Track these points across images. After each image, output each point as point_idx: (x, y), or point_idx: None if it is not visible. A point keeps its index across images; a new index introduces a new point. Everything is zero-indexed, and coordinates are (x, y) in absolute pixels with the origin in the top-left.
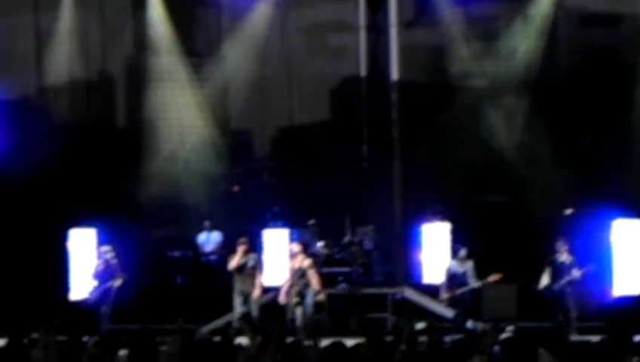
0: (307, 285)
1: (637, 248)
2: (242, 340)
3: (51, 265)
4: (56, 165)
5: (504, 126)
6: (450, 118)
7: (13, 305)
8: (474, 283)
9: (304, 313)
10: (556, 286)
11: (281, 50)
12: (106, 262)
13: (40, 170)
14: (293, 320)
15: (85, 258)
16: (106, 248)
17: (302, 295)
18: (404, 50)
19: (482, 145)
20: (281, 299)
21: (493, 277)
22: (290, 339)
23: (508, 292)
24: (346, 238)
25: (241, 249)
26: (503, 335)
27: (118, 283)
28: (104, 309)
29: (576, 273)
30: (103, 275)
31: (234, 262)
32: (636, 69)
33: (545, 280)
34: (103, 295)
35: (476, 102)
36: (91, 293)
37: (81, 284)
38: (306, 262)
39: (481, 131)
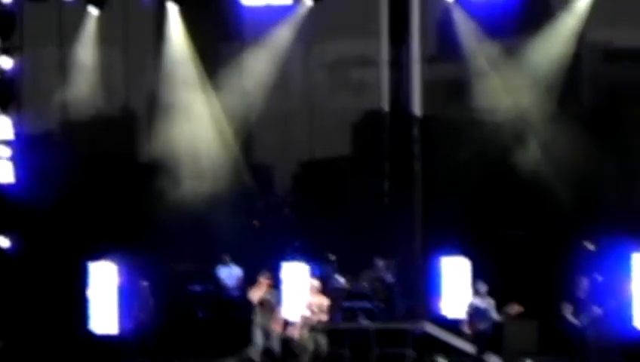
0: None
1: None
2: None
3: (72, 298)
4: (77, 198)
5: (526, 161)
6: (471, 153)
7: (34, 337)
8: (496, 316)
9: (321, 351)
10: (577, 323)
11: (303, 84)
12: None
13: (62, 203)
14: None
15: (105, 291)
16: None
17: (313, 332)
18: (426, 85)
19: (503, 179)
20: (294, 332)
21: (514, 309)
22: None
23: (528, 327)
24: (368, 272)
25: (264, 283)
26: None
27: None
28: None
29: (597, 310)
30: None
31: (257, 295)
32: None
33: (568, 314)
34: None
35: (497, 137)
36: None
37: (101, 317)
38: (324, 302)
39: (502, 166)
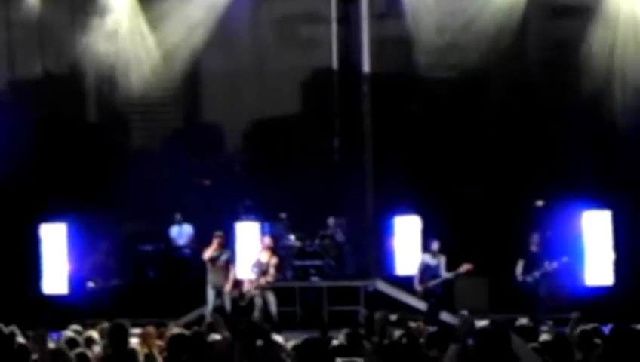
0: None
1: (607, 239)
2: (215, 336)
3: (23, 259)
4: (27, 159)
5: (474, 118)
6: (422, 110)
7: None
8: (446, 274)
9: (270, 310)
10: (529, 279)
11: (251, 41)
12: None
13: (10, 164)
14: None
15: (56, 252)
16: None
17: (263, 291)
18: (375, 42)
19: (453, 137)
20: (245, 286)
21: (464, 268)
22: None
23: (480, 285)
24: (320, 231)
25: (216, 241)
26: (477, 326)
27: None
28: None
29: (549, 265)
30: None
31: (207, 253)
32: None
33: (518, 272)
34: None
35: (447, 93)
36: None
37: (53, 278)
38: (273, 260)
39: (452, 123)
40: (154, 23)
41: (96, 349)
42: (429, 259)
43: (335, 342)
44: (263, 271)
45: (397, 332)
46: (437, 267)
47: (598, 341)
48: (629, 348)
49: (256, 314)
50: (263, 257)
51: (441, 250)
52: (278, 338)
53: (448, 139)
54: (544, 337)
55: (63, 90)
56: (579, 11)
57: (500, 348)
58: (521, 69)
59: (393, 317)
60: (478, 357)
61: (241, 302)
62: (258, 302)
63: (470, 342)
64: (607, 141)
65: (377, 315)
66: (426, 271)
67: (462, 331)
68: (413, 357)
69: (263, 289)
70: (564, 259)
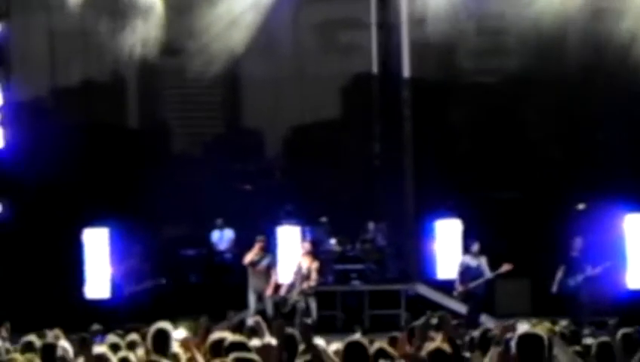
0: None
1: None
2: (257, 341)
3: (66, 264)
4: (68, 165)
5: (515, 121)
6: (463, 115)
7: (29, 303)
8: (488, 273)
9: (311, 315)
10: (571, 283)
11: (292, 47)
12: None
13: (53, 171)
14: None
15: (98, 257)
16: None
17: (305, 295)
18: (415, 47)
19: (495, 141)
20: (282, 292)
21: (505, 268)
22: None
23: (521, 288)
24: (360, 235)
25: (257, 246)
26: (519, 330)
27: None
28: None
29: (591, 271)
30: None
31: (248, 258)
32: None
33: (557, 279)
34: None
35: (487, 97)
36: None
37: (95, 283)
38: (314, 265)
39: (492, 127)
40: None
41: (139, 352)
42: (469, 260)
43: (377, 345)
44: (304, 276)
45: (437, 336)
46: (478, 268)
47: None
48: None
49: (298, 319)
50: (303, 262)
51: (482, 252)
52: (320, 341)
53: (489, 143)
54: (587, 341)
55: (105, 96)
56: (619, 14)
57: (539, 353)
58: (562, 73)
59: (434, 321)
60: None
61: (284, 309)
62: (300, 307)
63: (512, 343)
64: None
65: (419, 319)
66: (467, 272)
67: (503, 334)
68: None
69: (305, 294)
70: (608, 264)
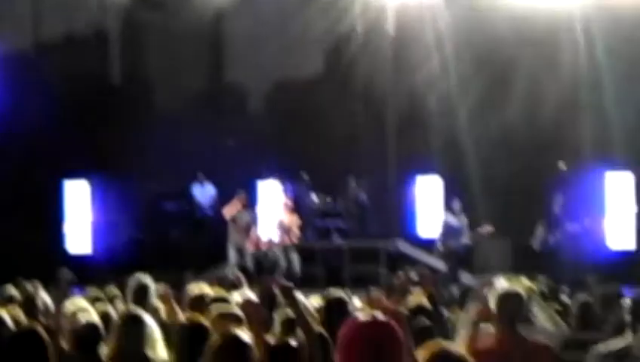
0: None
1: (630, 201)
2: (237, 294)
3: (46, 216)
4: (51, 119)
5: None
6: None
7: (8, 255)
8: (466, 239)
9: (293, 269)
10: (551, 240)
11: (276, 3)
12: None
13: (35, 123)
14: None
15: (79, 209)
16: None
17: (286, 250)
18: (399, 6)
19: (479, 99)
20: (263, 246)
21: (485, 230)
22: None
23: (502, 245)
24: (341, 191)
25: (238, 200)
26: (497, 286)
27: None
28: None
29: (571, 226)
30: None
31: (229, 213)
32: None
33: (537, 236)
34: None
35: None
36: None
37: (75, 235)
38: (295, 220)
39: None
40: None
41: (119, 305)
42: (450, 218)
43: (357, 302)
44: (285, 231)
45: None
46: (459, 227)
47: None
48: None
49: (280, 273)
50: (284, 218)
51: (464, 209)
52: (300, 296)
53: (470, 98)
54: (565, 299)
55: (88, 50)
56: None
57: (517, 311)
58: None
59: (414, 277)
60: (496, 318)
61: (265, 263)
62: (282, 261)
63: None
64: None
65: (398, 275)
66: (448, 230)
67: (483, 292)
68: (433, 317)
69: (286, 248)
70: (587, 221)
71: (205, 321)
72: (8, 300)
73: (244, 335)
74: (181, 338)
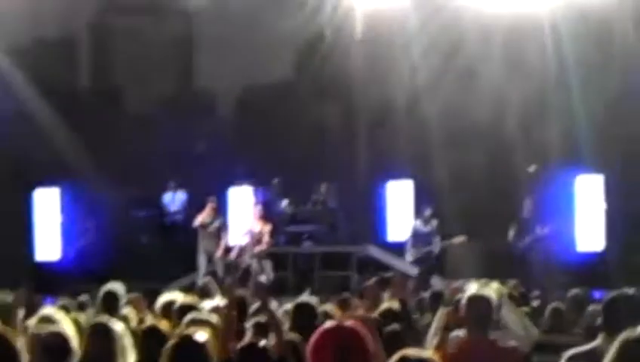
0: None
1: (599, 204)
2: (208, 302)
3: (16, 225)
4: (20, 125)
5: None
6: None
7: None
8: (436, 246)
9: (266, 276)
10: (521, 244)
11: (246, 5)
12: None
13: (3, 129)
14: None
15: (49, 218)
16: None
17: (258, 257)
18: (368, 8)
19: (447, 101)
20: (233, 254)
21: (457, 240)
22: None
23: (472, 250)
24: (312, 196)
25: (208, 207)
26: (468, 291)
27: None
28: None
29: (540, 230)
30: None
31: (199, 219)
32: None
33: (510, 237)
34: None
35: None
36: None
37: (45, 244)
38: (266, 228)
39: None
40: None
41: (89, 313)
42: (420, 225)
43: (327, 307)
44: (256, 239)
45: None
46: (429, 234)
47: (590, 306)
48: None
49: (252, 281)
50: (255, 226)
51: (435, 215)
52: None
53: (441, 103)
54: (534, 303)
55: (56, 55)
56: None
57: (487, 314)
58: None
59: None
60: (466, 322)
61: (235, 272)
62: (255, 269)
63: (461, 304)
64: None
65: (369, 281)
66: (418, 237)
67: (453, 296)
68: (404, 322)
69: (258, 257)
70: (557, 224)
71: (166, 326)
72: None
73: (201, 336)
74: (141, 342)
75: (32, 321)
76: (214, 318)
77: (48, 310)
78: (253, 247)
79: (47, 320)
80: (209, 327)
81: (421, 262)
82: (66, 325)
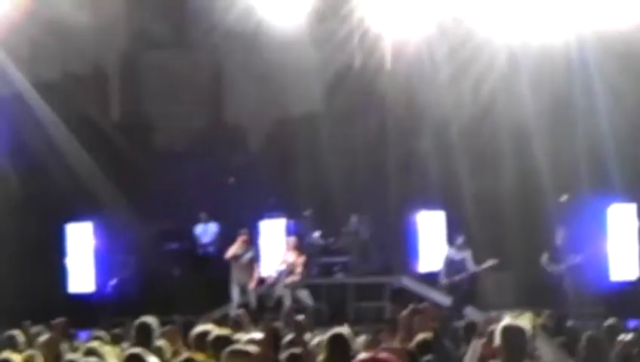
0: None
1: (632, 233)
2: (241, 334)
3: (49, 259)
4: (52, 160)
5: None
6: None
7: (13, 298)
8: (472, 267)
9: (303, 304)
10: (555, 271)
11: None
12: None
13: (36, 165)
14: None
15: (82, 251)
16: None
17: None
18: (397, 40)
19: (475, 129)
20: (268, 284)
21: (490, 262)
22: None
23: (505, 280)
24: (343, 228)
25: (240, 239)
26: (503, 321)
27: None
28: None
29: (574, 259)
30: None
31: (231, 251)
32: None
33: (543, 263)
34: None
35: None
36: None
37: (79, 277)
38: (300, 259)
39: (480, 120)
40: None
41: (124, 346)
42: (453, 253)
43: (361, 339)
44: (289, 270)
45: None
46: (462, 261)
47: (623, 336)
48: None
49: (284, 311)
50: (289, 257)
51: (467, 244)
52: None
53: (472, 134)
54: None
55: (87, 89)
56: None
57: (522, 345)
58: None
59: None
60: (500, 353)
61: (268, 302)
62: (287, 301)
63: (496, 334)
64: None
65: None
66: (451, 265)
67: (487, 326)
68: (439, 353)
69: (292, 288)
70: (590, 253)
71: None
72: (13, 345)
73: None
74: None
75: (76, 354)
76: (252, 349)
77: (94, 343)
78: (286, 278)
79: (93, 352)
80: (248, 358)
81: (455, 290)
82: (111, 359)
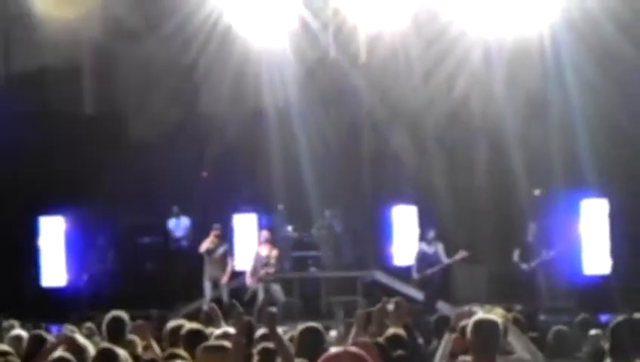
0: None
1: (604, 227)
2: (213, 329)
3: (21, 253)
4: (24, 154)
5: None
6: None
7: None
8: (444, 260)
9: (275, 299)
10: (526, 267)
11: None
12: None
13: (8, 159)
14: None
15: (54, 245)
16: None
17: (266, 281)
18: (372, 33)
19: (449, 124)
20: (247, 281)
21: (461, 255)
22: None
23: (477, 274)
24: (316, 222)
25: (213, 234)
26: (475, 316)
27: None
28: None
29: (546, 254)
30: None
31: (204, 245)
32: None
33: (515, 259)
34: None
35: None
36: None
37: (51, 271)
38: (274, 253)
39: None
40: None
41: (95, 340)
42: (425, 247)
43: (333, 333)
44: (263, 264)
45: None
46: (434, 255)
47: (594, 330)
48: (633, 337)
49: (258, 306)
50: (262, 251)
51: (438, 238)
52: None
53: (447, 128)
54: (541, 327)
55: (60, 82)
56: None
57: (494, 339)
58: None
59: (390, 307)
60: (472, 348)
61: (243, 296)
62: (260, 294)
63: (468, 329)
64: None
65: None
66: (423, 259)
67: (459, 320)
68: (410, 347)
69: (265, 281)
70: (562, 248)
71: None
72: None
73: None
74: None
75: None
76: (227, 343)
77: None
78: (260, 271)
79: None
80: (224, 353)
81: (427, 285)
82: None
